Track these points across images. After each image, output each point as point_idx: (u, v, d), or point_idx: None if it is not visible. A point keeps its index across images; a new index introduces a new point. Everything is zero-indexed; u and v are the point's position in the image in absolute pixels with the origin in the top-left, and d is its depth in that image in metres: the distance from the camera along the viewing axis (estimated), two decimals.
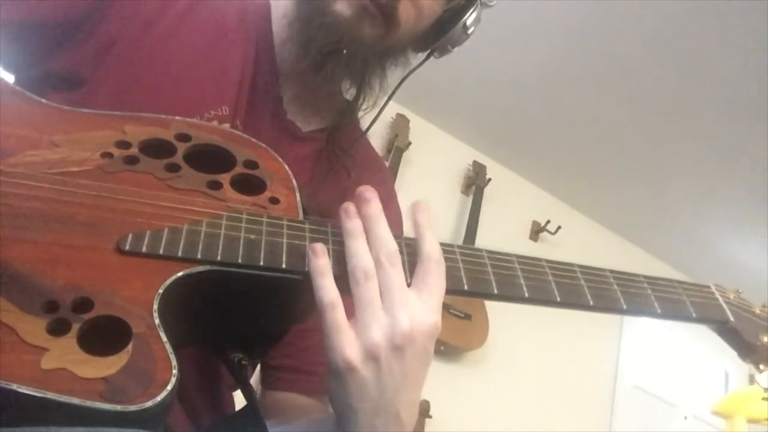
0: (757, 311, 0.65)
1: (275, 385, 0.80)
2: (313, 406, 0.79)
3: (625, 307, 0.61)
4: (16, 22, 0.69)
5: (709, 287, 0.67)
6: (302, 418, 0.74)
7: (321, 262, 0.51)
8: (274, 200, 0.59)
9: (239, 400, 0.68)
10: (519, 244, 3.11)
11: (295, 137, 0.80)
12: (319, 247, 0.52)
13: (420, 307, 0.51)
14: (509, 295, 0.57)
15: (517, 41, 2.51)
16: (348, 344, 0.49)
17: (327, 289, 0.50)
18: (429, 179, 2.97)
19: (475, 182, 3.03)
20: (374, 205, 0.55)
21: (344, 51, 0.73)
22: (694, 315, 0.64)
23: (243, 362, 0.59)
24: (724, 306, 0.65)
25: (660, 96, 2.58)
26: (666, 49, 2.36)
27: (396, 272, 0.52)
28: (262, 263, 0.52)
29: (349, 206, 0.55)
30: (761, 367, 0.64)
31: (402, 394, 0.51)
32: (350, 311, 0.51)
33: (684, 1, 2.14)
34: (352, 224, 0.54)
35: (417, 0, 0.75)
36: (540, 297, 0.58)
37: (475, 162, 3.12)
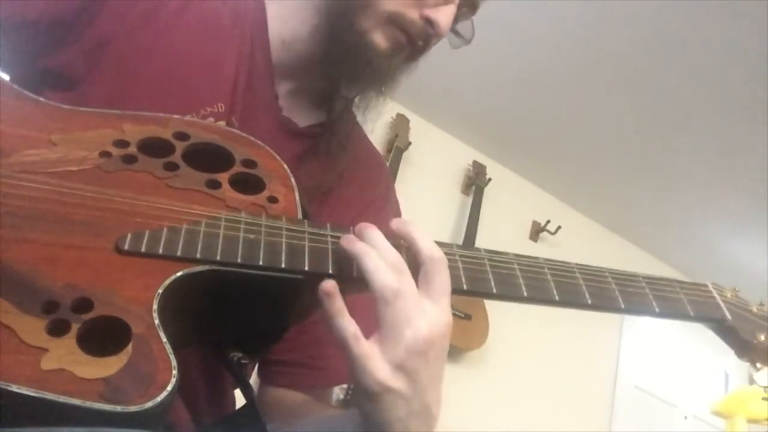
0: (754, 309, 0.66)
1: (274, 380, 0.80)
2: (313, 403, 0.78)
3: (623, 306, 0.61)
4: (9, 21, 0.69)
5: (706, 286, 0.68)
6: (312, 416, 0.73)
7: (338, 304, 0.52)
8: (272, 199, 0.59)
9: (239, 399, 0.68)
10: (519, 244, 3.11)
11: (292, 133, 0.80)
12: (331, 286, 0.52)
13: (433, 309, 0.52)
14: (508, 294, 0.58)
15: (518, 41, 2.51)
16: (379, 368, 0.50)
17: (347, 324, 0.51)
18: (429, 179, 2.97)
19: (475, 182, 3.03)
20: (367, 225, 0.56)
21: (367, 75, 0.75)
22: (691, 314, 0.64)
23: (242, 361, 0.59)
24: (722, 304, 0.66)
25: (660, 96, 2.58)
26: (665, 48, 2.36)
27: (407, 280, 0.52)
28: (261, 263, 0.52)
29: (347, 236, 0.55)
30: (758, 365, 0.64)
31: (430, 392, 0.53)
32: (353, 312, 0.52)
33: (685, 2, 2.14)
34: (359, 246, 0.54)
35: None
36: (539, 296, 0.59)
37: (475, 162, 3.12)
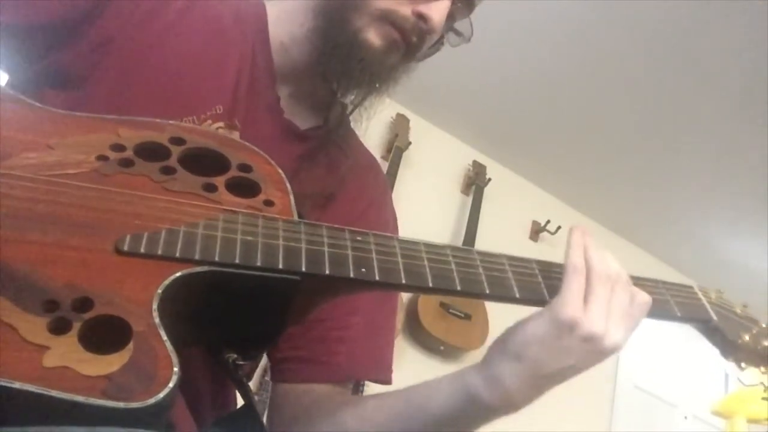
0: (738, 311, 0.67)
1: (286, 376, 0.80)
2: (335, 390, 0.79)
3: None
4: (13, 24, 0.69)
5: (692, 287, 0.69)
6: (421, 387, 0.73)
7: (578, 239, 0.62)
8: (268, 203, 0.60)
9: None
10: (519, 244, 3.10)
11: (294, 135, 0.81)
12: (583, 227, 0.64)
13: (615, 328, 0.60)
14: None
15: (518, 41, 2.51)
16: (580, 309, 0.57)
17: (576, 258, 0.60)
18: (429, 179, 2.97)
19: (475, 182, 3.02)
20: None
21: (361, 73, 0.76)
22: (678, 314, 0.65)
23: (237, 362, 0.59)
24: (707, 306, 0.67)
25: (660, 96, 2.58)
26: (665, 48, 2.36)
27: (624, 292, 0.60)
28: (259, 264, 0.52)
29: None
30: (743, 365, 0.65)
31: (555, 382, 0.62)
32: None
33: (685, 2, 2.14)
34: (589, 240, 0.62)
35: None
36: (532, 297, 0.60)
37: (475, 162, 3.11)
